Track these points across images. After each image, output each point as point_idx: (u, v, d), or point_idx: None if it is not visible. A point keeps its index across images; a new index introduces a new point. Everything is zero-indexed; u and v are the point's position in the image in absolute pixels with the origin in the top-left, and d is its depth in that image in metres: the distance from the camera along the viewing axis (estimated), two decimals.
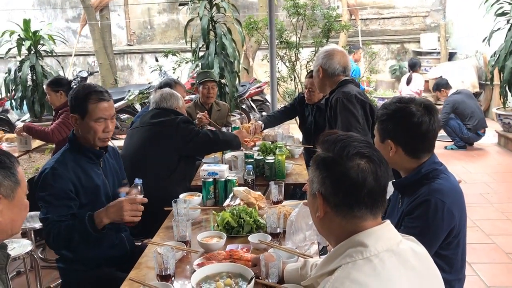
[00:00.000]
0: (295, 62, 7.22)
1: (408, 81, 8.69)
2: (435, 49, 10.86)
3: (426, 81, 9.78)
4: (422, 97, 9.19)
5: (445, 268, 1.81)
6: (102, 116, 2.30)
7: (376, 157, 1.24)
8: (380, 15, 12.01)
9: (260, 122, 4.33)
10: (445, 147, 7.35)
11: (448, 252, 1.83)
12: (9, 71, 6.82)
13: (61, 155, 2.33)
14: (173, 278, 1.85)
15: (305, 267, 1.73)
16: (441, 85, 7.50)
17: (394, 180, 1.94)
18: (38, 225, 3.35)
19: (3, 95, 7.65)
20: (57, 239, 2.18)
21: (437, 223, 1.75)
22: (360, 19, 11.30)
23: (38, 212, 2.28)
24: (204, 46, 6.31)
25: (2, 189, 1.43)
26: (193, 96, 7.02)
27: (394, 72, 11.43)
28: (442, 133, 7.53)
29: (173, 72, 6.97)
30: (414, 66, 8.87)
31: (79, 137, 2.36)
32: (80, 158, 2.34)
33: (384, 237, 1.22)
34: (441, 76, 9.05)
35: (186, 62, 6.81)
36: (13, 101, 7.05)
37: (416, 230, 1.70)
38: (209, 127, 4.15)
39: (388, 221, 1.28)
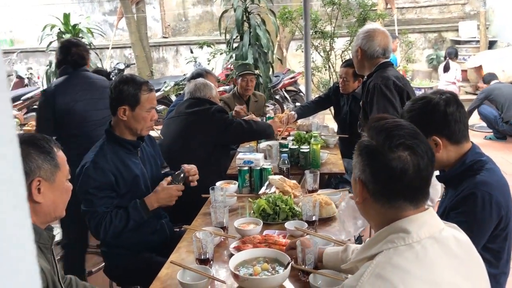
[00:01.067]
0: (329, 52, 7.15)
1: (446, 69, 8.51)
2: (474, 37, 10.52)
3: (465, 71, 9.52)
4: (459, 86, 8.93)
5: (491, 261, 1.75)
6: (153, 106, 2.43)
7: (421, 149, 1.20)
8: (416, 4, 11.73)
9: (293, 112, 4.31)
10: (485, 137, 7.17)
11: (495, 246, 1.76)
12: (50, 64, 7.04)
13: (100, 148, 2.39)
14: (211, 262, 1.90)
15: (346, 251, 1.74)
16: (485, 81, 7.34)
17: (438, 174, 1.88)
18: None
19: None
20: (109, 228, 2.27)
21: (485, 217, 1.69)
22: (396, 8, 11.05)
23: None
24: (238, 37, 6.33)
25: (42, 172, 1.50)
26: (226, 87, 7.07)
27: (431, 62, 11.15)
28: (481, 123, 7.35)
29: (208, 64, 7.03)
30: (450, 54, 8.70)
31: (117, 129, 2.42)
32: (118, 150, 2.40)
33: (427, 224, 1.20)
34: (480, 66, 8.81)
35: (221, 54, 6.85)
36: None
37: (462, 225, 1.65)
38: None
39: (431, 208, 1.26)
